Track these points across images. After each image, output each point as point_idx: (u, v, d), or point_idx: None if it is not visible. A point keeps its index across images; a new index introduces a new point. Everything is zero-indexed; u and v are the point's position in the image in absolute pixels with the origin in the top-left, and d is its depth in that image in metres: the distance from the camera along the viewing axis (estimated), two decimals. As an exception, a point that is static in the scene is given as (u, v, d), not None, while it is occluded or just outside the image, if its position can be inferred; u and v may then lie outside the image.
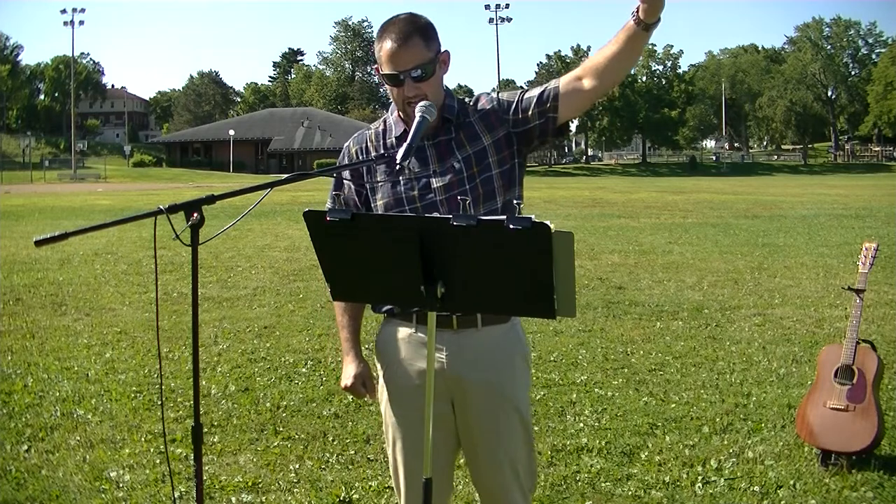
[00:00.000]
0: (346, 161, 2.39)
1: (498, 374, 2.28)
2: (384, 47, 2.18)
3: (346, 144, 2.44)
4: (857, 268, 4.08)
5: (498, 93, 2.34)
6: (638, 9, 2.06)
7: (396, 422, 2.37)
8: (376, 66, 2.27)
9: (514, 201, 2.26)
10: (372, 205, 2.35)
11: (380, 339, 2.43)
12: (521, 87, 2.37)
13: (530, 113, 2.24)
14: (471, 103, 2.32)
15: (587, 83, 2.19)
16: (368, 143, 2.38)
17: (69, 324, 7.47)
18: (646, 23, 2.06)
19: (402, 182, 2.29)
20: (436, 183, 2.26)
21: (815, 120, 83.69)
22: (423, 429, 2.23)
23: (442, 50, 2.25)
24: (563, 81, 2.24)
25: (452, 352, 2.26)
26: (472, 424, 2.31)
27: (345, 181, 2.40)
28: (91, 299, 8.70)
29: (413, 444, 2.30)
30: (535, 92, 2.26)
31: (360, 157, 2.37)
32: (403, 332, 2.33)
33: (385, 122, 2.39)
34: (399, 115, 2.31)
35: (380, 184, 2.32)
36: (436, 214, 2.37)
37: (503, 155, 2.27)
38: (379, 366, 2.44)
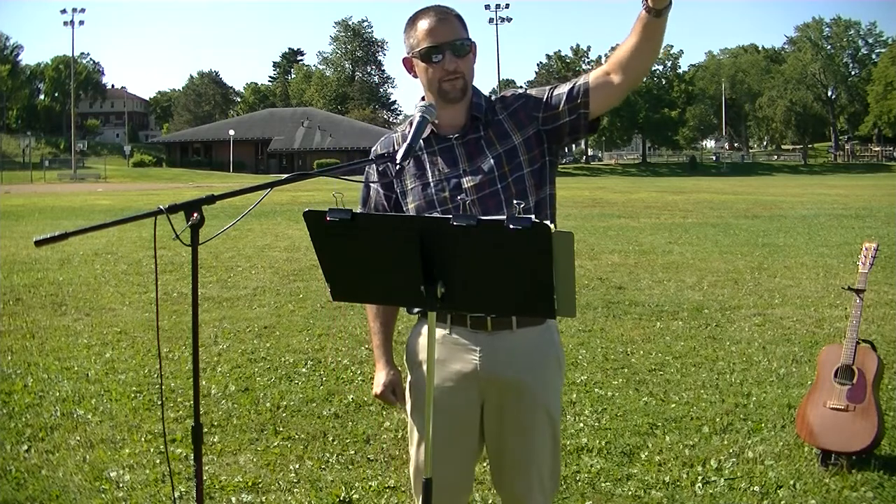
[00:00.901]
0: (373, 167, 2.36)
1: (531, 376, 2.27)
2: (422, 26, 2.19)
3: (373, 148, 2.41)
4: (857, 268, 4.08)
5: (526, 89, 2.33)
6: None
7: (424, 423, 2.36)
8: (406, 57, 2.27)
9: (515, 201, 2.25)
10: (403, 209, 2.33)
11: (411, 338, 2.41)
12: (550, 84, 2.35)
13: (560, 109, 2.23)
14: (499, 101, 2.31)
15: (615, 78, 2.18)
16: (395, 146, 2.35)
17: (69, 324, 7.47)
18: (656, 9, 2.03)
19: (432, 184, 2.27)
20: (466, 183, 2.24)
21: (815, 120, 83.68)
22: (451, 431, 2.23)
23: (474, 43, 2.26)
24: (593, 76, 2.22)
25: (486, 353, 2.25)
26: (501, 425, 2.30)
27: (372, 186, 2.38)
28: (91, 299, 8.70)
29: (440, 447, 2.30)
30: (565, 88, 2.24)
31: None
32: (437, 332, 2.30)
33: (411, 124, 2.38)
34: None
35: (410, 187, 2.30)
36: (435, 214, 2.37)
37: (534, 153, 2.26)
38: (408, 365, 2.43)
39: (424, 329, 2.36)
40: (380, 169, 2.37)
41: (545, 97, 2.26)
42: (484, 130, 2.26)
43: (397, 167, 2.27)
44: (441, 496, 2.25)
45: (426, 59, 2.20)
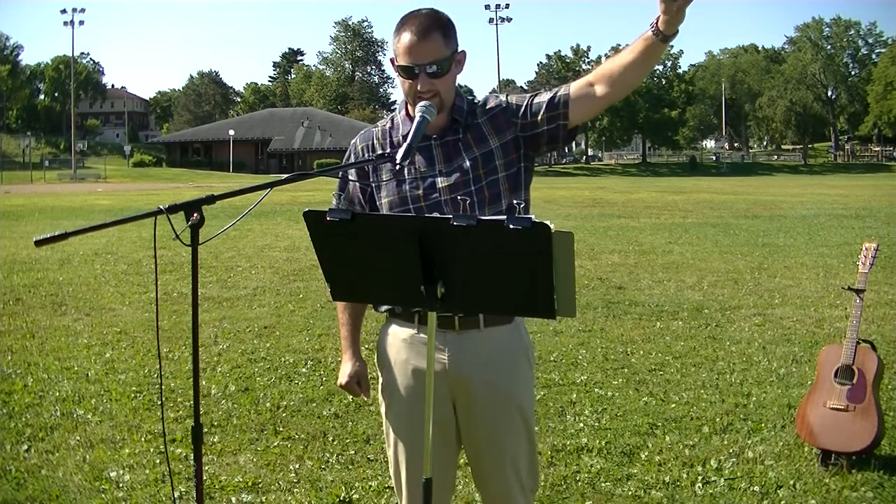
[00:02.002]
0: (352, 159, 2.38)
1: (501, 375, 2.27)
2: (402, 39, 2.18)
3: (352, 141, 2.43)
4: (857, 268, 4.08)
5: (507, 95, 2.33)
6: (658, 20, 2.04)
7: (398, 423, 2.37)
8: (392, 58, 2.27)
9: (515, 202, 2.25)
10: (377, 203, 2.34)
11: (381, 339, 2.42)
12: (530, 91, 2.35)
13: (539, 118, 2.23)
14: (480, 105, 2.31)
15: (599, 90, 2.17)
16: (375, 141, 2.37)
17: (69, 324, 7.47)
18: (665, 34, 2.05)
19: (407, 181, 2.28)
20: (441, 183, 2.25)
21: (815, 120, 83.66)
22: (423, 430, 2.23)
23: (459, 50, 2.25)
24: (574, 87, 2.22)
25: (455, 353, 2.25)
26: (474, 425, 2.31)
27: (349, 179, 2.39)
28: (91, 299, 8.70)
29: (415, 446, 2.30)
30: (545, 97, 2.24)
31: (367, 155, 2.36)
32: (405, 332, 2.33)
33: (392, 119, 2.39)
34: (407, 113, 2.31)
35: (385, 182, 2.32)
36: (436, 214, 2.37)
37: (510, 158, 2.26)
38: (378, 366, 2.43)
39: (393, 328, 2.37)
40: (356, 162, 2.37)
41: (525, 104, 2.26)
42: (463, 133, 2.27)
43: (397, 167, 2.28)
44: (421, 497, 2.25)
45: (402, 75, 2.22)
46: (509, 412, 2.29)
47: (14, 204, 26.12)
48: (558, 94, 2.23)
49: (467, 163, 2.24)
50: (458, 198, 2.23)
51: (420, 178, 2.27)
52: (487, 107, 2.30)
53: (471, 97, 2.36)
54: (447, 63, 2.19)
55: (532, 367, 2.39)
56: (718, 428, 4.54)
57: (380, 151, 2.33)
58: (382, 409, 2.43)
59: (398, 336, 2.34)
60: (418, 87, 2.18)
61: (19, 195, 33.46)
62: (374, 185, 2.35)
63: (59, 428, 4.61)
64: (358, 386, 2.47)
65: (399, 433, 2.36)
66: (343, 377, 2.47)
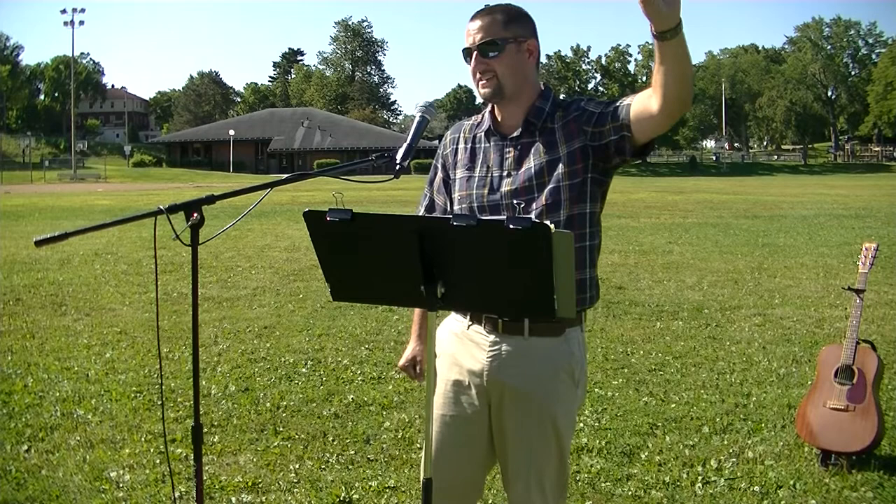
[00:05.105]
0: (440, 150, 2.45)
1: (538, 385, 2.24)
2: (467, 26, 2.22)
3: (446, 132, 2.48)
4: (857, 268, 4.08)
5: (587, 101, 2.26)
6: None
7: (434, 413, 2.38)
8: None
9: (515, 201, 2.24)
10: (452, 195, 2.39)
11: (438, 329, 2.43)
12: (611, 99, 2.30)
13: (606, 127, 2.16)
14: (562, 108, 2.27)
15: (654, 103, 2.05)
16: (462, 134, 2.41)
17: (69, 324, 7.46)
18: (659, 32, 1.92)
19: (476, 178, 2.30)
20: (506, 186, 2.25)
21: (815, 120, 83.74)
22: (458, 428, 2.23)
23: (529, 39, 2.22)
24: (638, 97, 2.12)
25: (494, 356, 2.25)
26: (504, 430, 2.30)
27: (438, 168, 2.46)
28: (91, 299, 8.70)
29: (443, 441, 2.31)
30: (613, 107, 2.17)
31: (454, 147, 2.41)
32: (457, 325, 2.34)
33: (483, 115, 2.40)
34: (491, 109, 2.32)
35: (458, 176, 2.35)
36: (436, 214, 2.38)
37: (576, 167, 2.21)
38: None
39: (449, 318, 2.37)
40: (444, 153, 2.43)
41: (598, 112, 2.19)
42: (538, 136, 2.25)
43: (398, 167, 2.28)
44: (446, 495, 2.25)
45: (465, 60, 2.25)
46: (541, 424, 2.26)
47: (14, 204, 26.11)
48: (624, 103, 2.15)
49: (533, 168, 2.23)
50: (516, 202, 2.22)
51: (489, 177, 2.28)
52: (567, 111, 2.25)
53: (563, 97, 2.33)
54: (502, 43, 2.18)
55: (577, 384, 2.31)
56: (718, 428, 4.54)
57: (463, 145, 2.37)
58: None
59: (450, 328, 2.35)
60: (474, 67, 2.20)
61: (19, 195, 33.45)
62: (452, 177, 2.39)
63: (59, 428, 4.61)
64: (413, 370, 2.51)
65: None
66: (402, 359, 2.52)
